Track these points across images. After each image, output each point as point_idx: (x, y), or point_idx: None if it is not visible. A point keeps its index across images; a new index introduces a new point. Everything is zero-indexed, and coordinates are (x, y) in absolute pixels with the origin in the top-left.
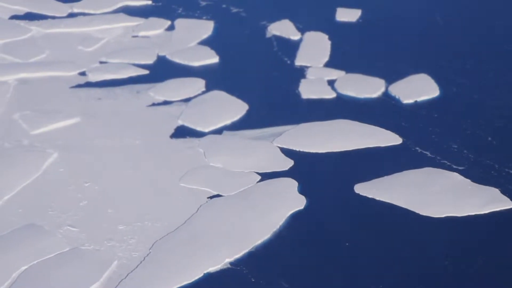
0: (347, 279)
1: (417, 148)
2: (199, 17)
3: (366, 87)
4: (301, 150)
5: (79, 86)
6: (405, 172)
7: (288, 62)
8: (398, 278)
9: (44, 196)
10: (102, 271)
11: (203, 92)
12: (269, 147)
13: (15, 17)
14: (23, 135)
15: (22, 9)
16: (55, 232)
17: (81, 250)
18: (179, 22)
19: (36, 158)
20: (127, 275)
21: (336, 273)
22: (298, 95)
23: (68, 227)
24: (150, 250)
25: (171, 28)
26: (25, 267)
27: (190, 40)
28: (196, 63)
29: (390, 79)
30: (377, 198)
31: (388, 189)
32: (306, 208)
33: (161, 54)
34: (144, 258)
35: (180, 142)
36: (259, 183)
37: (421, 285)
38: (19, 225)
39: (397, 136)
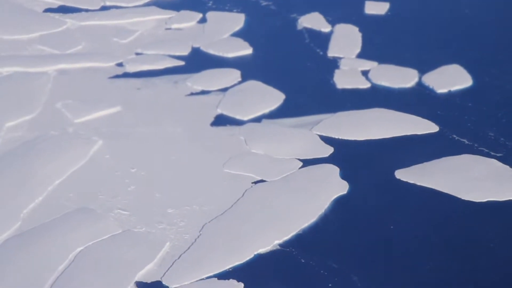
0: (394, 260)
1: (454, 136)
2: (230, 10)
3: (400, 77)
4: (340, 137)
5: (117, 76)
6: (444, 158)
7: (321, 53)
8: (444, 260)
9: (93, 181)
10: (156, 252)
11: (240, 82)
12: (309, 135)
13: (49, 10)
14: (67, 123)
15: (56, 2)
16: (107, 215)
17: (133, 232)
18: (210, 15)
19: (82, 145)
20: (180, 256)
21: (383, 254)
22: (333, 85)
23: (119, 210)
24: (200, 232)
25: (203, 20)
26: (81, 248)
27: (222, 32)
28: (230, 55)
29: (423, 70)
30: (418, 184)
31: (428, 175)
32: (349, 193)
33: (195, 45)
34: (195, 240)
35: (220, 129)
36: (301, 169)
37: (468, 266)
38: (72, 209)
39: (433, 124)
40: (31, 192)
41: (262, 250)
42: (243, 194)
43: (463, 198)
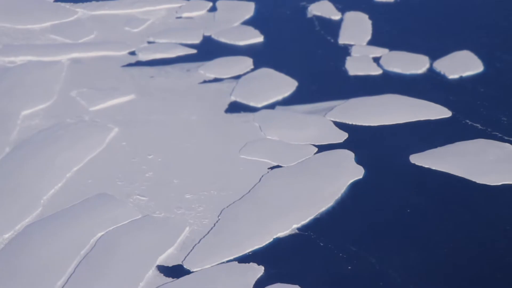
0: (411, 243)
1: (467, 121)
2: None
3: (411, 64)
4: (353, 123)
5: (130, 65)
6: (458, 143)
7: (332, 40)
8: (460, 243)
9: (110, 168)
10: (176, 237)
11: (252, 70)
12: (323, 121)
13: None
14: (83, 111)
15: None
16: (126, 201)
17: (153, 217)
18: (220, 4)
19: (99, 132)
20: (200, 240)
21: (400, 237)
22: (345, 71)
23: (138, 196)
24: (219, 217)
25: (213, 9)
26: (102, 233)
27: (233, 20)
28: (241, 43)
29: (434, 56)
30: (433, 168)
31: (443, 159)
32: (365, 177)
33: (207, 34)
34: (215, 225)
35: (235, 116)
36: (316, 154)
37: (483, 248)
38: (91, 195)
39: (446, 109)
40: (51, 179)
41: (281, 234)
42: (260, 180)
43: (477, 181)
